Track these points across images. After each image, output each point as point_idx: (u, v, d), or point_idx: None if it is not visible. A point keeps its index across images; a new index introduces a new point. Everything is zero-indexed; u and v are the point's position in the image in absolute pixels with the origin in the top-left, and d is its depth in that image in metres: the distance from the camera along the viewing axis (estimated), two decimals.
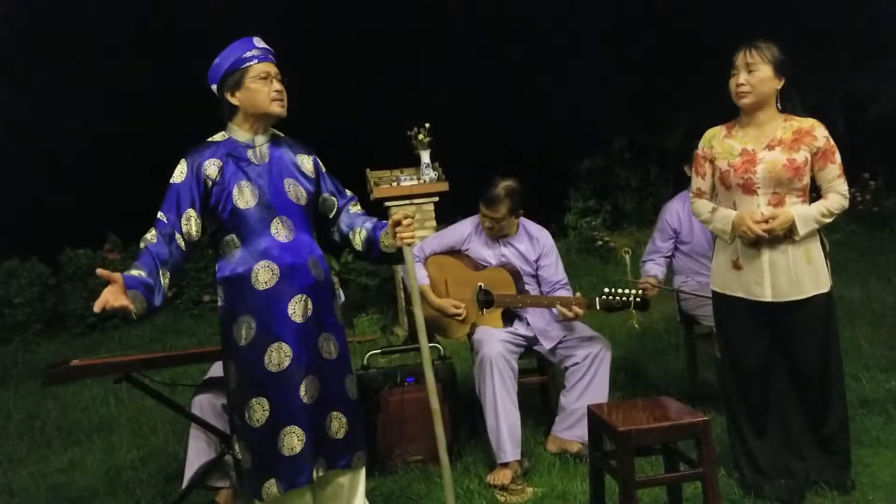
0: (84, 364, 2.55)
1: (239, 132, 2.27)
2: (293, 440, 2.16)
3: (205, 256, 6.87)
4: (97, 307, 1.95)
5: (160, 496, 3.05)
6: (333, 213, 2.41)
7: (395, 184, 5.65)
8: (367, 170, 5.83)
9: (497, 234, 3.25)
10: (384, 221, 2.37)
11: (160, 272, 2.11)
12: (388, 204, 5.69)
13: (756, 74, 2.49)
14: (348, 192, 2.47)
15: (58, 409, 4.58)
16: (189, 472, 2.73)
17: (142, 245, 2.16)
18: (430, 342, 3.39)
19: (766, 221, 2.46)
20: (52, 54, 8.38)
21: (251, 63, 2.21)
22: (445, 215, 5.55)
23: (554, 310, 3.15)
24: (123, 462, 3.54)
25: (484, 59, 9.51)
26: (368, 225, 2.37)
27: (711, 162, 2.64)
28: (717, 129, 2.67)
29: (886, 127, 8.26)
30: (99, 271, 2.01)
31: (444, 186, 5.65)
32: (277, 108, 2.25)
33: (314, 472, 2.20)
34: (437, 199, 5.71)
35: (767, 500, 2.51)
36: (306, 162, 2.36)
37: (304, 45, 8.80)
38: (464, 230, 3.34)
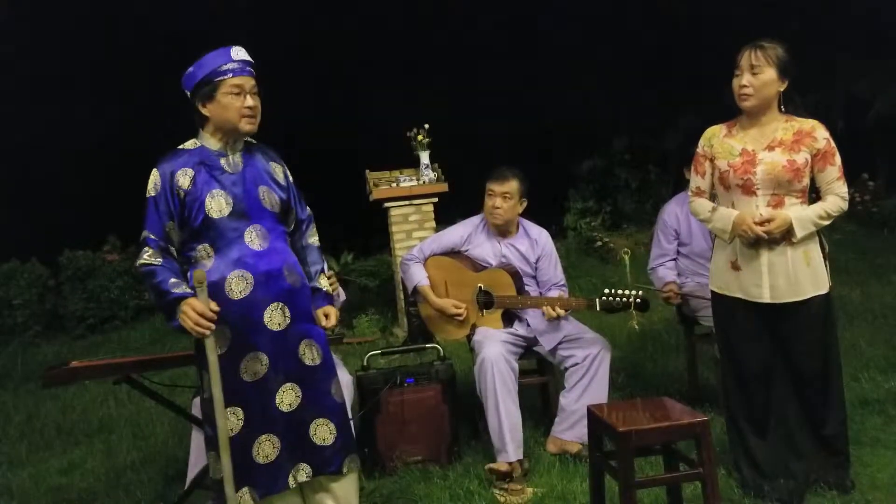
0: (83, 365, 2.55)
1: (211, 141, 2.24)
2: (268, 448, 2.16)
3: None
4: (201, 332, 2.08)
5: (160, 498, 3.04)
6: (293, 226, 2.40)
7: (394, 185, 5.66)
8: (367, 171, 5.84)
9: (504, 221, 3.23)
10: (320, 293, 2.38)
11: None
12: (387, 205, 5.70)
13: (760, 77, 2.47)
14: (307, 210, 2.46)
15: (57, 411, 4.58)
16: (191, 474, 2.73)
17: (148, 265, 2.14)
18: (430, 343, 3.41)
19: (767, 223, 2.46)
20: (51, 55, 8.39)
21: (225, 77, 2.17)
22: (445, 216, 5.56)
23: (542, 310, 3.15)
24: (123, 463, 3.54)
25: (484, 60, 9.52)
26: (314, 271, 2.40)
27: (711, 161, 2.63)
28: (717, 128, 2.66)
29: (886, 128, 8.27)
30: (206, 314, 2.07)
31: (444, 187, 5.66)
32: (246, 126, 2.22)
33: (291, 479, 2.20)
34: (436, 199, 5.72)
35: (767, 500, 2.51)
36: (278, 170, 2.35)
37: (304, 45, 8.81)
38: (463, 231, 3.34)
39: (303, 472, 2.22)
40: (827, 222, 2.51)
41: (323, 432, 2.25)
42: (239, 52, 2.22)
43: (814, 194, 2.59)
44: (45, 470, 3.60)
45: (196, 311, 2.07)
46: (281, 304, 2.20)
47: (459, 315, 3.20)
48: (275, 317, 2.18)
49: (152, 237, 2.16)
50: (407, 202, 5.68)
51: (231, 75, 2.18)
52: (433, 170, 5.68)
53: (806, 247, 2.50)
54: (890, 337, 4.26)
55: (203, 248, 2.18)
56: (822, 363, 2.55)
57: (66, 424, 4.30)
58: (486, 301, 3.20)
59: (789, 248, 2.49)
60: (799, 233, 2.46)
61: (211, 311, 2.09)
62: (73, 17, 8.32)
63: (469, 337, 3.25)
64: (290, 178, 2.39)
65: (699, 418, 2.17)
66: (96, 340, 6.55)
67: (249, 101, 2.20)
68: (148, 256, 2.15)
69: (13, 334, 6.56)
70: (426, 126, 5.56)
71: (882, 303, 5.02)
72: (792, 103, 2.56)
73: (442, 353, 3.28)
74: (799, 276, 2.49)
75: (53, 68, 8.45)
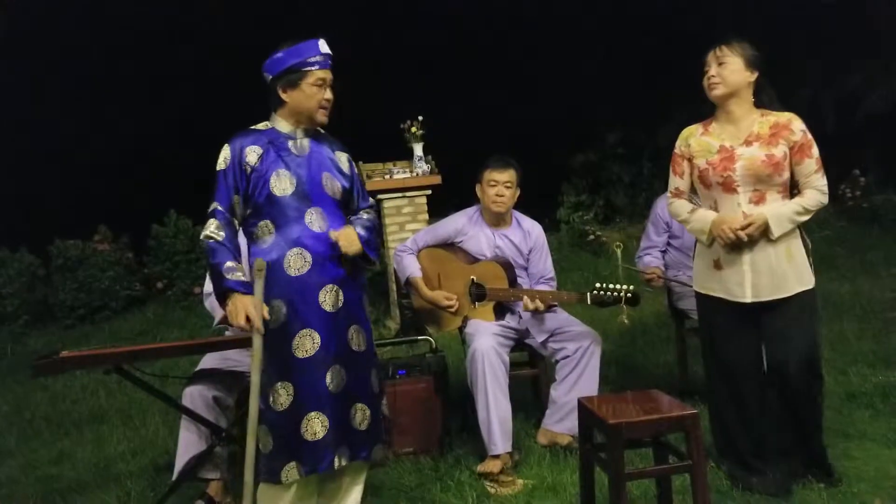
0: (74, 355, 2.54)
1: (283, 124, 2.33)
2: (316, 426, 2.20)
3: (195, 248, 6.85)
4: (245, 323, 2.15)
5: (151, 488, 3.04)
6: (351, 215, 2.46)
7: (387, 176, 5.64)
8: (360, 162, 5.82)
9: (507, 209, 3.25)
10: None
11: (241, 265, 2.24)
12: (380, 196, 5.68)
13: (726, 66, 2.50)
14: (370, 199, 2.54)
15: (47, 401, 4.56)
16: (180, 464, 2.73)
17: (211, 240, 2.20)
18: (422, 335, 3.41)
19: (745, 227, 2.44)
20: (43, 48, 8.31)
21: (313, 69, 2.26)
22: (438, 209, 5.56)
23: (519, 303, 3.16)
24: (114, 454, 3.54)
25: (479, 53, 9.50)
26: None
27: (689, 161, 2.62)
28: (694, 128, 2.65)
29: (877, 124, 8.32)
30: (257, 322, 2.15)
31: (437, 179, 5.65)
32: (321, 118, 2.33)
33: (336, 461, 2.23)
34: (429, 192, 5.71)
35: (755, 492, 2.53)
36: (343, 158, 2.42)
37: (299, 37, 8.75)
38: (457, 223, 3.34)
39: (344, 457, 2.26)
40: (805, 217, 2.48)
41: (360, 417, 2.31)
42: (324, 46, 2.30)
43: (796, 190, 2.56)
44: (34, 460, 3.59)
45: (247, 314, 2.14)
46: (336, 287, 2.27)
47: (451, 307, 3.20)
48: (329, 298, 2.25)
49: (220, 209, 2.24)
50: (400, 194, 5.67)
51: (318, 67, 2.27)
52: (427, 162, 5.67)
53: (788, 243, 2.49)
54: (878, 332, 4.30)
55: (265, 224, 2.25)
56: (807, 359, 2.52)
57: (55, 415, 4.29)
58: (478, 293, 3.21)
59: (770, 245, 2.47)
60: (776, 231, 2.44)
61: (261, 317, 2.16)
62: (63, 10, 8.24)
63: (461, 329, 3.25)
64: (356, 169, 2.46)
65: (689, 411, 2.19)
66: (87, 330, 6.52)
67: (329, 94, 2.30)
68: (214, 229, 2.21)
69: (2, 324, 6.52)
70: (420, 118, 5.55)
71: (871, 297, 5.06)
72: (766, 96, 2.56)
73: (434, 346, 3.29)
74: (782, 273, 2.47)
75: (47, 60, 8.37)
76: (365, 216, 2.46)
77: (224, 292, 2.18)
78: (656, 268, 3.49)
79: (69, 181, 8.44)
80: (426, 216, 5.69)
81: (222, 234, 2.21)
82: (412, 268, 3.29)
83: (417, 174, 5.63)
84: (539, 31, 9.68)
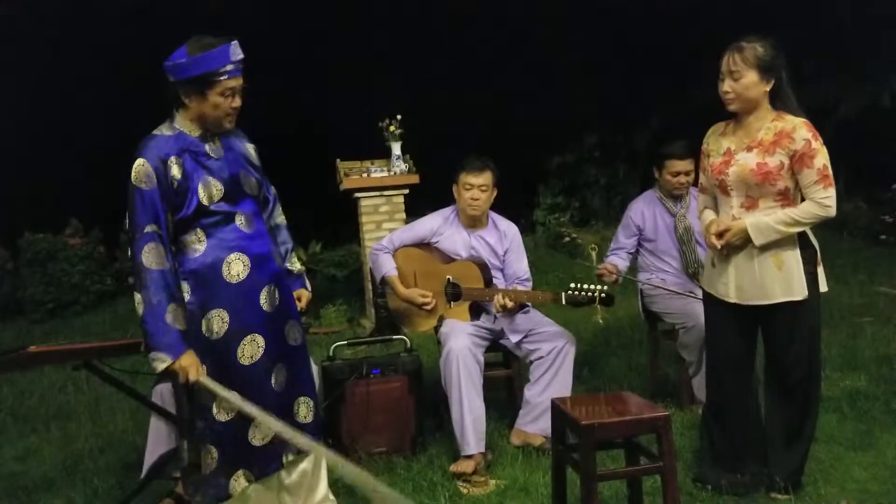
0: (42, 350, 2.49)
1: (189, 126, 2.20)
2: (265, 429, 2.17)
3: None
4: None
5: (118, 486, 2.99)
6: (261, 204, 2.41)
7: (365, 175, 5.63)
8: (338, 160, 5.79)
9: (482, 212, 3.26)
10: (294, 274, 2.48)
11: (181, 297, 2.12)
12: (357, 195, 5.66)
13: (741, 81, 2.41)
14: (272, 189, 2.50)
15: (14, 396, 4.47)
16: (148, 462, 2.69)
17: (148, 267, 2.05)
18: (397, 335, 3.40)
19: (722, 234, 2.46)
20: (14, 40, 8.13)
21: (222, 79, 2.12)
22: (415, 208, 5.55)
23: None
24: (81, 451, 3.47)
25: (457, 54, 9.51)
26: (284, 250, 2.49)
27: (708, 158, 2.62)
28: (717, 126, 2.63)
29: (846, 132, 8.48)
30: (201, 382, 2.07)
31: (415, 179, 5.64)
32: (228, 125, 2.24)
33: (284, 457, 2.24)
34: (407, 191, 5.71)
35: (724, 493, 2.56)
36: (251, 150, 2.37)
37: (278, 32, 8.68)
38: (434, 223, 3.34)
39: (291, 452, 2.26)
40: (795, 229, 2.39)
41: (304, 410, 2.32)
42: (236, 52, 2.16)
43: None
44: None
45: (192, 371, 2.06)
46: (273, 285, 2.25)
47: (427, 304, 3.20)
48: (268, 298, 2.22)
49: (149, 233, 2.06)
50: (377, 193, 5.65)
51: (227, 77, 2.13)
52: (404, 161, 5.66)
53: (778, 252, 2.43)
54: (846, 338, 4.38)
55: (195, 234, 2.16)
56: (801, 371, 2.49)
57: (22, 411, 4.20)
58: (453, 293, 3.21)
59: (757, 251, 2.45)
60: (757, 240, 2.41)
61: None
62: (36, 2, 8.07)
63: (436, 329, 3.25)
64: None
65: (660, 413, 2.22)
66: (56, 325, 6.40)
67: (237, 101, 2.20)
68: (155, 257, 2.05)
69: None
70: (398, 117, 5.54)
71: (839, 304, 5.16)
72: (781, 100, 2.47)
73: (409, 345, 3.28)
74: (767, 280, 2.45)
75: (16, 53, 8.19)
76: (279, 219, 2.48)
77: (159, 347, 2.03)
78: (609, 263, 3.49)
79: (40, 174, 8.27)
80: (403, 215, 5.68)
81: (167, 264, 2.06)
82: (388, 266, 3.28)
83: (395, 173, 5.62)
84: (518, 33, 9.71)
